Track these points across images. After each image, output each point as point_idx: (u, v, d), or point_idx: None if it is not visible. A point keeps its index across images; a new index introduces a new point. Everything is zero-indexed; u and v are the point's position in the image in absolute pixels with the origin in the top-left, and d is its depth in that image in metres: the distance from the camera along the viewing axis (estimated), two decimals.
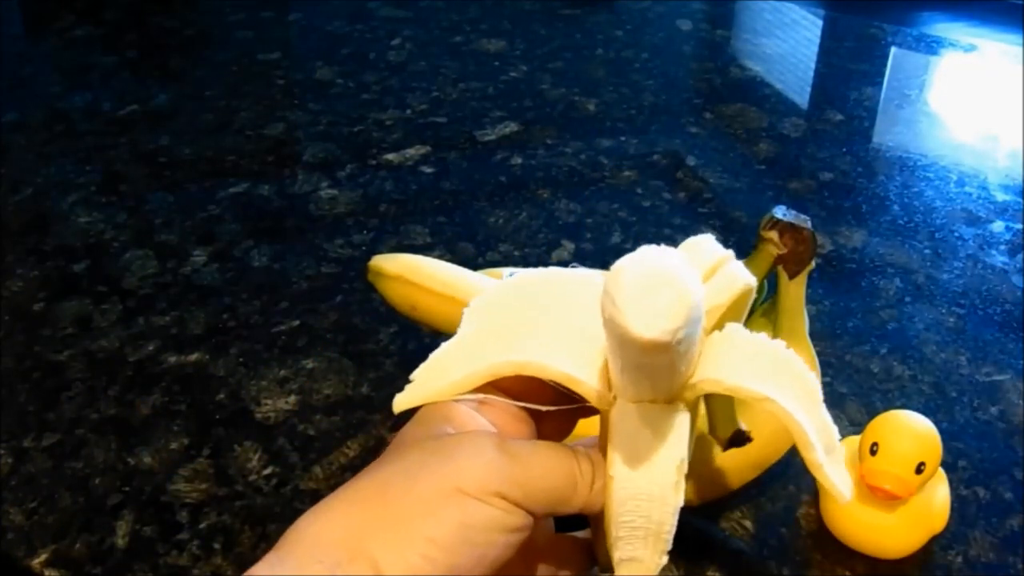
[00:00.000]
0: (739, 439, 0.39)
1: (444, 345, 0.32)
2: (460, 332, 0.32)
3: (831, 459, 0.30)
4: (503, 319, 0.31)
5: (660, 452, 0.29)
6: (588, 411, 0.32)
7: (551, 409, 0.32)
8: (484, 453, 0.28)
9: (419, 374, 0.32)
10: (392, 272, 0.49)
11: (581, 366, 0.30)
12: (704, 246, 0.31)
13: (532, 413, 0.32)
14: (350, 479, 0.29)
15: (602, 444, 0.31)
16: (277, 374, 0.56)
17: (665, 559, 0.30)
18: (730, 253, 0.31)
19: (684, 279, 0.25)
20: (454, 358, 0.31)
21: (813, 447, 0.29)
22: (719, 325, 0.30)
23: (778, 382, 0.29)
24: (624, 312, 0.24)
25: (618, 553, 0.30)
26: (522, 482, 0.28)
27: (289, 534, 0.28)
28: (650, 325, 0.24)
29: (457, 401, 0.31)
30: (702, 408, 0.37)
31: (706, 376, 0.29)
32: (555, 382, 0.30)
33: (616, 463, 0.29)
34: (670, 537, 0.30)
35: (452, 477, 0.28)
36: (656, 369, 0.27)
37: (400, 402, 0.32)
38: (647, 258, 0.25)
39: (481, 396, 0.31)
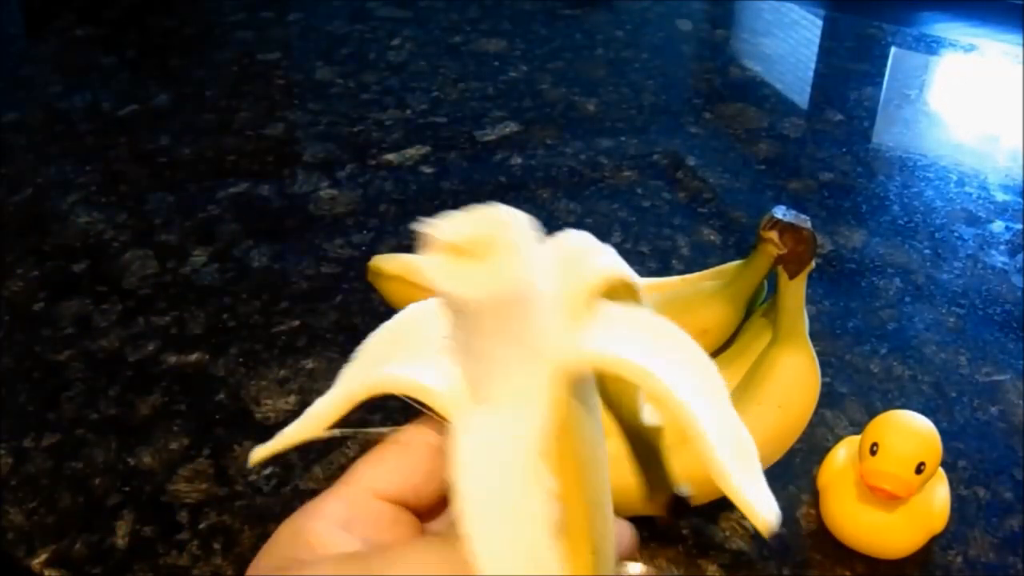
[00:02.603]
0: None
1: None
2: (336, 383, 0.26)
3: (744, 468, 0.21)
4: (376, 349, 0.25)
5: (509, 466, 0.20)
6: None
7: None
8: None
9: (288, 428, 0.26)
10: (392, 272, 0.49)
11: (436, 376, 0.23)
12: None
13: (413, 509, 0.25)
14: None
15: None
16: (277, 374, 0.56)
17: None
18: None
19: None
20: (322, 402, 0.25)
21: (714, 448, 0.20)
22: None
23: (668, 359, 0.21)
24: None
25: None
26: None
27: None
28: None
29: (335, 434, 0.25)
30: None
31: (572, 348, 0.21)
32: (406, 395, 0.23)
33: (464, 506, 0.20)
34: None
35: None
36: (501, 335, 0.20)
37: (259, 452, 0.26)
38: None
39: (340, 432, 0.25)
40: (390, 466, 0.24)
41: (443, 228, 0.19)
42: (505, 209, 0.20)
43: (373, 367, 0.24)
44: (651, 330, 0.22)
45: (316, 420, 0.25)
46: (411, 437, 0.25)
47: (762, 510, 0.21)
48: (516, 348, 0.20)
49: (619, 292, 0.23)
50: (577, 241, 0.23)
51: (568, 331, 0.21)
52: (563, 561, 0.20)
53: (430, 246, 0.20)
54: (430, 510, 0.25)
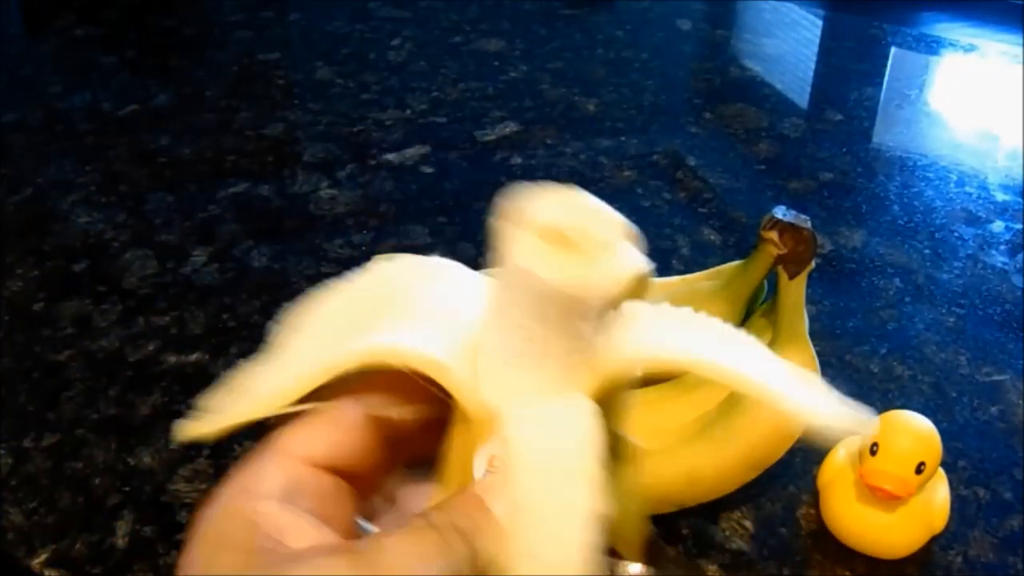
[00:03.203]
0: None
1: (252, 364, 0.22)
2: (277, 343, 0.23)
3: (816, 399, 0.24)
4: (345, 314, 0.23)
5: (563, 464, 0.20)
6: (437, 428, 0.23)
7: (410, 418, 0.23)
8: None
9: (220, 399, 0.22)
10: None
11: (449, 352, 0.22)
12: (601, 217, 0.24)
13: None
14: None
15: (451, 473, 0.23)
16: None
17: None
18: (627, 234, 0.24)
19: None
20: (276, 368, 0.22)
21: (788, 399, 0.23)
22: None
23: (706, 342, 0.22)
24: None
25: None
26: None
27: None
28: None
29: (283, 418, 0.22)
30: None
31: (616, 348, 0.21)
32: (416, 371, 0.22)
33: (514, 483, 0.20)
34: None
35: None
36: (560, 326, 0.20)
37: (190, 429, 0.22)
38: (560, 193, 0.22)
39: (311, 405, 0.22)
40: (322, 435, 0.22)
41: (537, 209, 0.21)
42: (603, 207, 0.22)
43: (352, 335, 0.22)
44: (677, 319, 0.23)
45: (277, 395, 0.22)
46: (340, 410, 0.23)
47: (847, 422, 0.23)
48: (572, 342, 0.21)
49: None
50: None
51: (608, 331, 0.22)
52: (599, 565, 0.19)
53: (520, 224, 0.21)
54: (366, 484, 0.23)
